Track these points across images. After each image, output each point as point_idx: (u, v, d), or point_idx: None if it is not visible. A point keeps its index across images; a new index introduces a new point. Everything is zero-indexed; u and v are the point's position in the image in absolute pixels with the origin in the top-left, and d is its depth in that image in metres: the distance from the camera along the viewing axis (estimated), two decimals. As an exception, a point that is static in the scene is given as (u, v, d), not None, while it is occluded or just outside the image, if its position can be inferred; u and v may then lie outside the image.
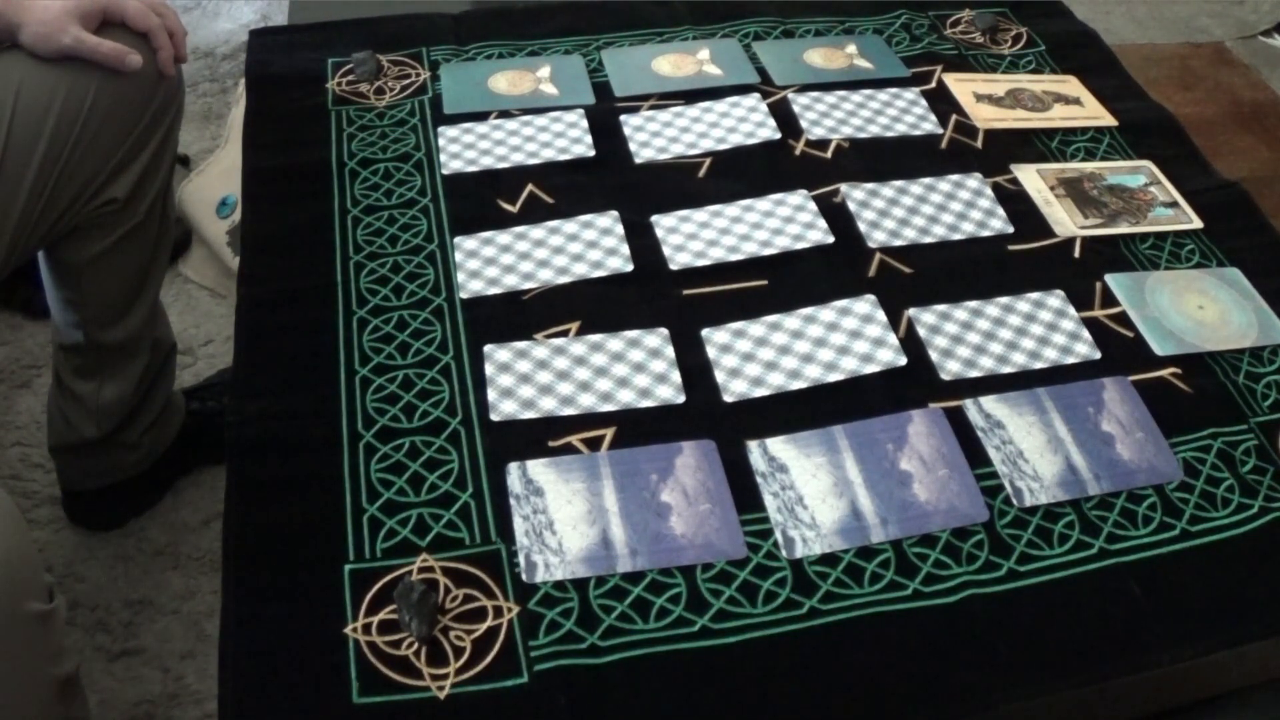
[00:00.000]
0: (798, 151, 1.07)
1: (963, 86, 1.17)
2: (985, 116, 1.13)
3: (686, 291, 0.92)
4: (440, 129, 1.06)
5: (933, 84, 1.17)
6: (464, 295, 0.90)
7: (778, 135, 1.08)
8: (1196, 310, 0.94)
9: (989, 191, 1.04)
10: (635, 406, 0.83)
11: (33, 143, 0.95)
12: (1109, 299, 0.95)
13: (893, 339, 0.89)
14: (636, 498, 0.77)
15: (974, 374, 0.87)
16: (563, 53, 1.17)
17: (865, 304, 0.91)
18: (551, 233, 0.96)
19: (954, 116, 1.13)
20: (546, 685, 0.67)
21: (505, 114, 1.08)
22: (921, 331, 0.90)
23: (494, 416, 0.82)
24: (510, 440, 0.80)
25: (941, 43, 1.24)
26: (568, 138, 1.05)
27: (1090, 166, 1.08)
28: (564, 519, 0.75)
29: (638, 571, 0.73)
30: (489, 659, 0.68)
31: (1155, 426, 0.84)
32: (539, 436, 0.80)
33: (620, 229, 0.97)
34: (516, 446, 0.80)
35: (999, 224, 1.01)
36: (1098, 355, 0.89)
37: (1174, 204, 1.05)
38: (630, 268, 0.93)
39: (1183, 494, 0.81)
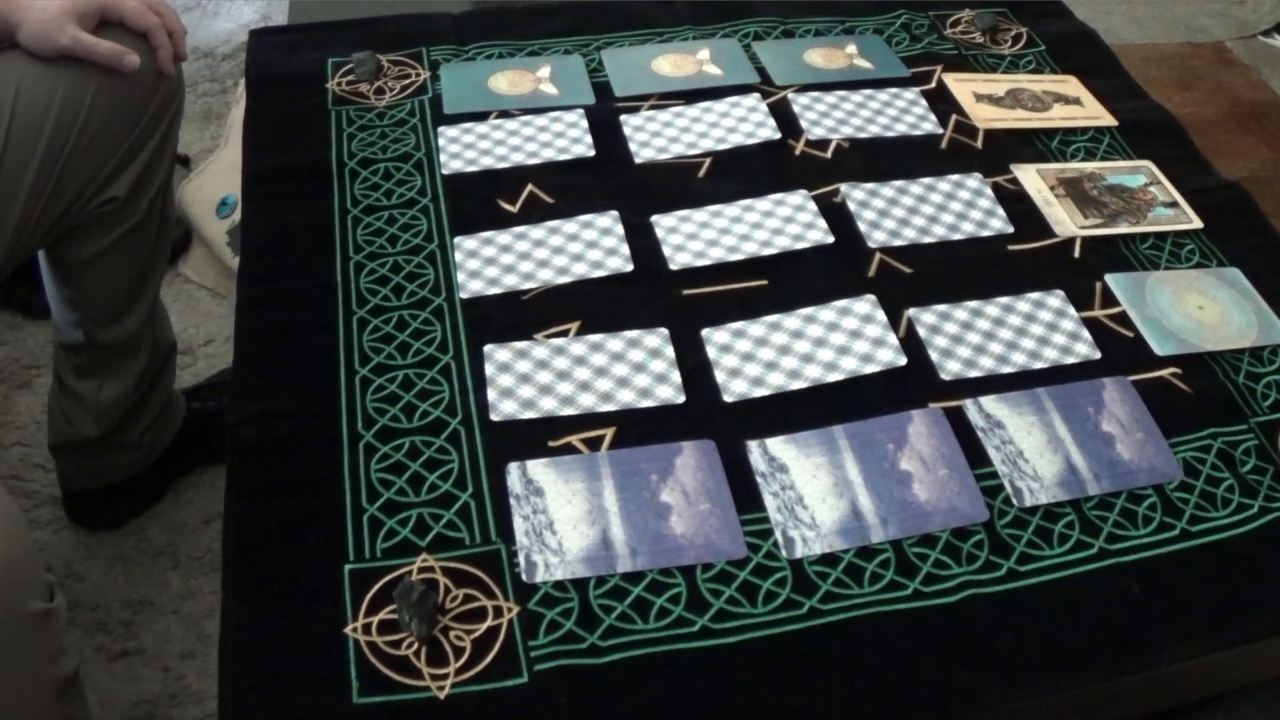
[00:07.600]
0: (798, 151, 1.07)
1: (963, 86, 1.17)
2: (985, 116, 1.13)
3: (686, 291, 0.92)
4: (440, 129, 1.05)
5: (933, 84, 1.17)
6: (464, 295, 0.90)
7: (778, 135, 1.08)
8: (1196, 310, 0.94)
9: (989, 191, 1.04)
10: (635, 406, 0.83)
11: (32, 143, 0.95)
12: (1109, 299, 0.95)
13: (893, 339, 0.89)
14: (636, 498, 0.77)
15: (974, 374, 0.87)
16: (563, 53, 1.17)
17: (865, 304, 0.91)
18: (551, 233, 0.96)
19: (954, 116, 1.12)
20: (546, 685, 0.67)
21: (505, 114, 1.08)
22: (921, 331, 0.90)
23: (494, 416, 0.82)
24: (510, 440, 0.80)
25: (941, 43, 1.24)
26: (568, 138, 1.05)
27: (1090, 166, 1.08)
28: (564, 519, 0.75)
29: (638, 571, 0.73)
30: (489, 659, 0.68)
31: (1155, 426, 0.84)
32: (539, 436, 0.80)
33: (620, 229, 0.97)
34: (516, 446, 0.80)
35: (999, 224, 1.01)
36: (1098, 355, 0.89)
37: (1174, 204, 1.05)
38: (630, 268, 0.93)
39: (1183, 494, 0.81)
